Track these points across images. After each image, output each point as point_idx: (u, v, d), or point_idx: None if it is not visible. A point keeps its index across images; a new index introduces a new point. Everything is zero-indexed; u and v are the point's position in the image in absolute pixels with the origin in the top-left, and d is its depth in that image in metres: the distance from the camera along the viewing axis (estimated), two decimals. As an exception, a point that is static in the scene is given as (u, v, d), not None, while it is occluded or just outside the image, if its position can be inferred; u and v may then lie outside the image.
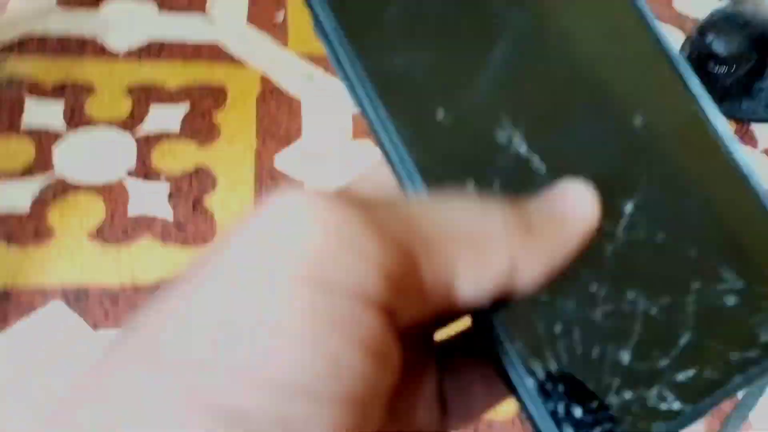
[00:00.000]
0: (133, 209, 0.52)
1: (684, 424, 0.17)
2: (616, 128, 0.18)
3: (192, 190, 0.54)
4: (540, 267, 0.15)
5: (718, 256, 0.18)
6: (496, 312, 0.16)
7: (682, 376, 0.17)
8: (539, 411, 0.16)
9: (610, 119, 0.18)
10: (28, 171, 0.54)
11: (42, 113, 0.58)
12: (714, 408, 0.17)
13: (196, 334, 0.12)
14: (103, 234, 0.50)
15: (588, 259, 0.17)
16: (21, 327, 0.45)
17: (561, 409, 0.16)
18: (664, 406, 0.16)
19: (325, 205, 0.13)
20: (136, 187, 0.53)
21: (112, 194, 0.53)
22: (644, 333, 0.17)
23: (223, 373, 0.12)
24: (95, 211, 0.52)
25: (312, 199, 0.13)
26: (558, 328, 0.16)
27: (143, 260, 0.49)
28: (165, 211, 0.52)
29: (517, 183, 0.17)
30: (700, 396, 0.17)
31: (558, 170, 0.17)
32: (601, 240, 0.17)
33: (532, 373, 0.16)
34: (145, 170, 0.55)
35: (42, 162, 0.54)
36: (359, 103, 0.17)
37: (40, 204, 0.52)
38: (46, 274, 0.48)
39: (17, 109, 0.58)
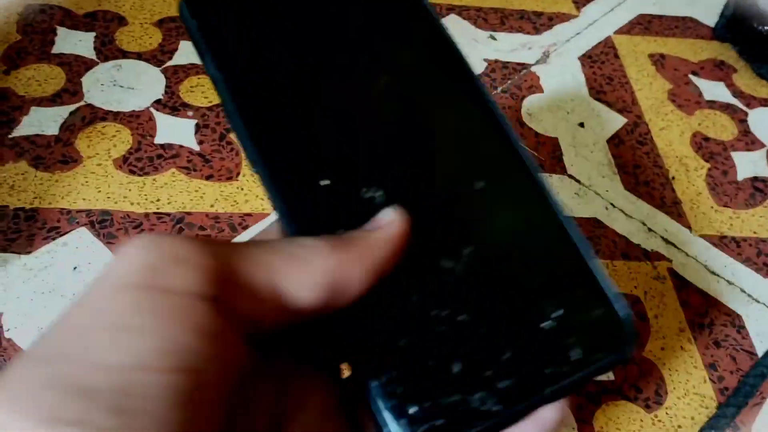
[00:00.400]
0: (160, 140, 0.52)
1: (501, 424, 0.20)
2: (459, 190, 0.22)
3: (219, 123, 0.54)
4: (359, 268, 0.19)
5: (542, 290, 0.21)
6: (345, 325, 0.20)
7: (502, 385, 0.20)
8: (380, 408, 0.19)
9: (454, 182, 0.22)
10: (57, 98, 0.54)
11: (73, 42, 0.58)
12: (528, 412, 0.20)
13: (57, 337, 0.16)
14: (129, 162, 0.51)
15: (431, 289, 0.21)
16: (46, 249, 0.45)
17: (398, 407, 0.19)
18: (484, 408, 0.20)
19: (153, 237, 0.17)
20: (164, 119, 0.53)
21: (140, 124, 0.53)
22: (474, 349, 0.20)
23: (74, 361, 0.15)
24: (122, 139, 0.52)
25: (145, 235, 0.17)
26: (400, 343, 0.20)
27: (168, 190, 0.49)
28: (191, 143, 0.52)
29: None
30: (517, 401, 0.20)
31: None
32: (442, 275, 0.21)
33: (377, 377, 0.19)
34: (173, 102, 0.55)
35: (72, 90, 0.54)
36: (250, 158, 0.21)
37: (69, 130, 0.52)
38: (72, 198, 0.48)
39: (49, 36, 0.58)
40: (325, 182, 0.21)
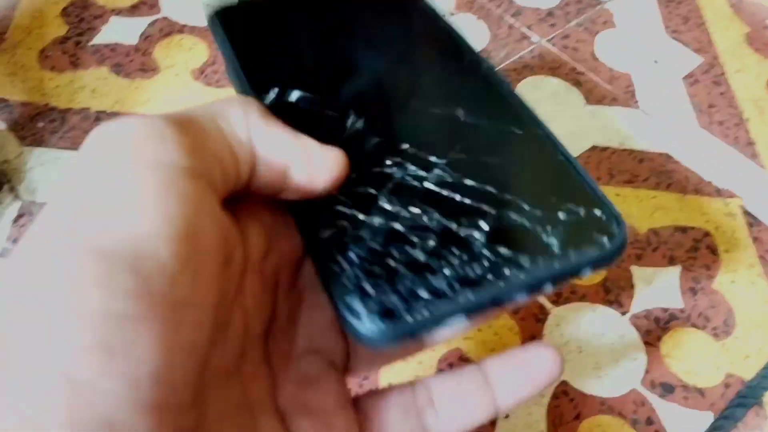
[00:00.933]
0: (235, 55, 0.53)
1: (462, 308, 0.19)
2: (433, 109, 0.24)
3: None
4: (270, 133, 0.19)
5: (514, 192, 0.22)
6: (310, 220, 0.20)
7: (470, 272, 0.20)
8: (340, 298, 0.19)
9: (426, 103, 0.24)
10: (136, 9, 0.54)
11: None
12: (498, 305, 0.20)
13: (63, 215, 0.16)
14: (205, 75, 0.51)
15: (396, 190, 0.21)
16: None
17: (357, 296, 0.19)
18: (448, 291, 0.19)
19: (130, 119, 0.17)
20: (239, 35, 0.54)
21: (216, 39, 0.53)
22: (441, 240, 0.20)
23: (87, 231, 0.16)
24: (199, 52, 0.52)
25: (117, 120, 0.18)
26: (362, 231, 0.20)
27: (243, 103, 0.50)
28: (266, 59, 0.53)
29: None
30: (486, 292, 0.19)
31: (382, 132, 0.23)
32: (416, 179, 0.21)
33: (335, 262, 0.19)
34: (248, 19, 0.55)
35: (149, 2, 0.55)
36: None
37: (147, 41, 0.52)
38: (151, 105, 0.49)
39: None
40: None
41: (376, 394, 0.21)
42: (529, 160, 0.23)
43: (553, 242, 0.21)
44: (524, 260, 0.20)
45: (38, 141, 0.46)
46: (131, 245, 0.15)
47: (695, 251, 0.46)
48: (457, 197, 0.21)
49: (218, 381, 0.18)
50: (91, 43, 0.52)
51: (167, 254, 0.16)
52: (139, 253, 0.15)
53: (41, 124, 0.47)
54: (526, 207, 0.21)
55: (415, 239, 0.20)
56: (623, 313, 0.43)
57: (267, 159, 0.19)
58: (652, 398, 0.39)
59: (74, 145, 0.46)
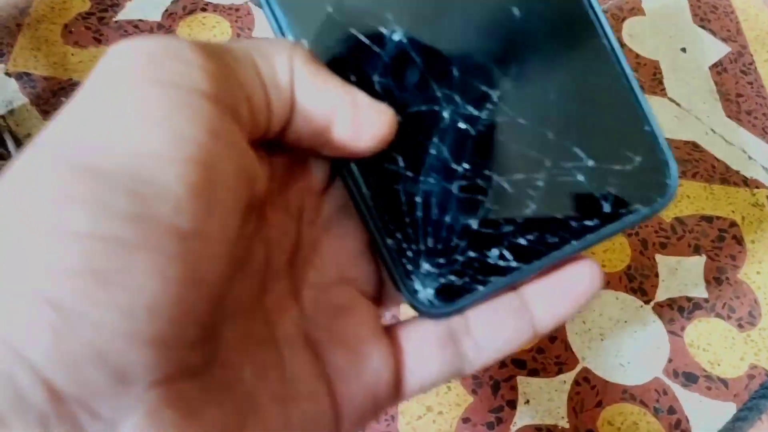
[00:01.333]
0: (258, 33, 0.52)
1: (517, 278, 0.19)
2: (492, 19, 0.20)
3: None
4: (316, 77, 0.18)
5: (574, 138, 0.20)
6: (362, 181, 0.19)
7: (523, 240, 0.19)
8: (395, 266, 0.19)
9: (485, 11, 0.20)
10: (159, -14, 0.54)
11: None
12: (549, 266, 0.19)
13: (74, 124, 0.15)
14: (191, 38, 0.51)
15: (449, 138, 0.19)
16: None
17: (412, 264, 0.19)
18: (502, 263, 0.19)
19: (151, 37, 0.16)
20: (261, 13, 0.53)
21: (239, 18, 0.53)
22: (494, 203, 0.19)
23: (87, 146, 0.14)
24: (222, 31, 0.52)
25: (141, 36, 0.16)
26: (416, 197, 0.19)
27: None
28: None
29: (394, 70, 0.19)
30: (537, 257, 0.19)
31: (431, 59, 0.19)
32: (465, 121, 0.19)
33: (390, 234, 0.19)
34: (272, -2, 0.55)
35: (173, -20, 0.55)
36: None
37: (170, 18, 0.52)
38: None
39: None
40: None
41: (410, 323, 0.20)
42: (599, 98, 0.20)
43: (609, 200, 0.20)
44: (577, 223, 0.20)
45: (61, 116, 0.46)
46: (129, 164, 0.14)
47: (721, 241, 0.45)
48: (514, 146, 0.19)
49: (237, 317, 0.17)
50: (114, 19, 0.51)
51: (172, 178, 0.14)
52: (139, 174, 0.14)
53: (64, 98, 0.47)
54: (586, 159, 0.20)
55: (469, 204, 0.19)
56: (647, 302, 0.42)
57: (308, 109, 0.17)
58: (675, 387, 0.39)
59: (97, 121, 0.46)
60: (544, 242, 0.19)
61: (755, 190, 0.48)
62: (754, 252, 0.45)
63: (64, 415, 0.13)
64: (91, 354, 0.13)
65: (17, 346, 0.13)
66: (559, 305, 0.20)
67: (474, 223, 0.19)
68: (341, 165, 0.19)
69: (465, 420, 0.37)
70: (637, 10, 0.58)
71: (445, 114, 0.19)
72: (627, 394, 0.38)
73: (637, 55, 0.55)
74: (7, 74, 0.48)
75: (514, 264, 0.19)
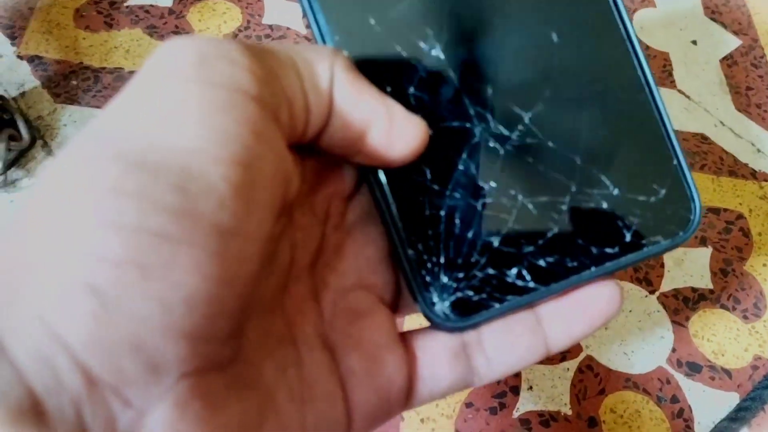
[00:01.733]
0: (268, 20, 0.52)
1: (534, 299, 0.19)
2: (529, 42, 0.20)
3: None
4: (354, 85, 0.18)
5: (602, 166, 0.20)
6: (388, 190, 0.19)
7: (542, 262, 0.19)
8: (414, 276, 0.19)
9: (524, 35, 0.20)
10: (171, -28, 0.54)
11: None
12: (567, 290, 0.19)
13: (124, 118, 0.15)
14: (238, 39, 0.51)
15: (478, 156, 0.19)
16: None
17: (431, 275, 0.19)
18: (520, 283, 0.19)
19: (202, 37, 0.16)
20: (273, 0, 0.54)
21: (249, 3, 0.53)
22: (517, 223, 0.19)
23: (135, 139, 0.15)
24: (232, 17, 0.52)
25: (188, 35, 0.16)
26: (440, 211, 0.19)
27: (274, 69, 0.50)
28: (299, 27, 0.52)
29: (429, 84, 0.19)
30: (555, 279, 0.19)
31: (467, 77, 0.19)
32: (495, 140, 0.19)
33: (412, 245, 0.19)
34: (282, -16, 0.55)
35: (184, -34, 0.55)
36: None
37: (181, 4, 0.52)
38: (183, 67, 0.49)
39: None
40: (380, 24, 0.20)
41: (425, 332, 0.20)
42: (629, 128, 0.20)
43: (631, 230, 0.20)
44: (598, 249, 0.20)
45: (71, 99, 0.47)
46: (178, 161, 0.14)
47: (727, 233, 0.45)
48: (541, 169, 0.20)
49: (259, 314, 0.18)
50: (126, 4, 0.52)
51: (218, 176, 0.14)
52: (186, 171, 0.14)
53: (75, 82, 0.47)
54: (611, 187, 0.20)
55: (493, 221, 0.19)
56: (651, 292, 0.42)
57: (345, 116, 0.18)
58: (678, 377, 0.39)
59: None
60: (564, 266, 0.20)
61: (763, 183, 0.48)
62: (761, 244, 0.45)
63: (97, 401, 0.13)
64: (128, 343, 0.13)
65: (58, 329, 0.13)
66: (575, 326, 0.20)
67: (496, 241, 0.19)
68: (369, 173, 0.19)
69: (468, 404, 0.37)
70: (648, 2, 0.58)
71: (476, 131, 0.20)
72: (630, 383, 0.38)
73: (648, 47, 0.55)
74: (19, 57, 0.48)
75: (531, 284, 0.19)
